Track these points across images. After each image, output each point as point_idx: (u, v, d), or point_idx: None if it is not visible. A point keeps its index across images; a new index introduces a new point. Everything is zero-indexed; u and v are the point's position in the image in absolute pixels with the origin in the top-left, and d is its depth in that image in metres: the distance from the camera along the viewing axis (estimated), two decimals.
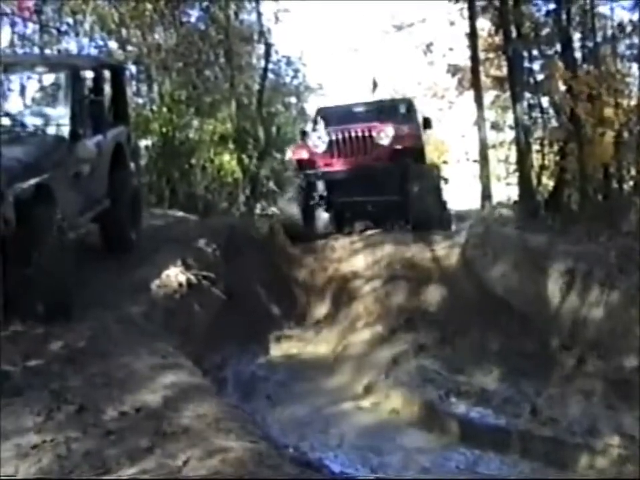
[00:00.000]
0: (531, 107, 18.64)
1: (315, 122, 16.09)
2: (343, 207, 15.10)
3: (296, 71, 27.11)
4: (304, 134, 16.29)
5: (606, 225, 12.57)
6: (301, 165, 14.85)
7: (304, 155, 14.74)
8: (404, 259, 12.35)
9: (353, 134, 14.32)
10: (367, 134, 14.26)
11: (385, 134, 14.18)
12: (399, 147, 13.99)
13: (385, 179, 14.07)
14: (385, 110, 16.33)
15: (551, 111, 19.02)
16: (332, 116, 15.93)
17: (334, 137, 14.39)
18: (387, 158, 14.03)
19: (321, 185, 14.73)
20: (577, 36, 18.62)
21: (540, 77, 18.81)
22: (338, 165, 14.30)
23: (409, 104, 16.53)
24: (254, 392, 9.40)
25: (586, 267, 10.44)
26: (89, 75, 10.88)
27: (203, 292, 10.85)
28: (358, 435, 7.81)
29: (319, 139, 14.50)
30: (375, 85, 22.44)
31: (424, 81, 22.59)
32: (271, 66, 22.99)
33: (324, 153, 14.34)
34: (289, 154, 14.99)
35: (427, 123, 16.66)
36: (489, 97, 20.24)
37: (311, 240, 14.13)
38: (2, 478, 4.86)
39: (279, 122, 23.27)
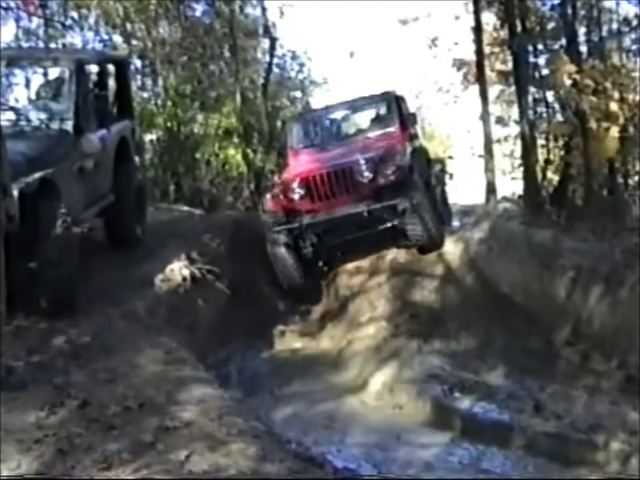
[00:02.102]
0: (536, 101, 18.62)
1: (288, 142, 14.45)
2: (336, 250, 12.91)
3: (301, 65, 26.96)
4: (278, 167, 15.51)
5: (611, 220, 12.56)
6: (280, 216, 12.32)
7: (284, 205, 12.23)
8: (408, 253, 12.33)
9: (332, 174, 12.10)
10: (347, 172, 12.12)
11: (366, 172, 12.02)
12: (382, 181, 11.97)
13: (377, 213, 12.05)
14: (363, 114, 14.96)
15: (556, 106, 18.97)
16: (306, 131, 14.42)
17: (311, 181, 12.12)
18: (371, 195, 12.01)
19: (308, 237, 12.34)
20: (582, 30, 18.58)
21: (545, 71, 18.75)
22: (321, 210, 12.20)
23: (388, 103, 14.36)
24: (258, 387, 9.40)
25: (591, 263, 10.44)
26: (93, 69, 10.89)
27: (207, 286, 10.85)
28: (361, 430, 7.81)
29: (295, 186, 12.12)
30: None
31: (429, 75, 22.53)
32: (276, 60, 22.90)
33: (303, 199, 12.13)
34: (266, 203, 12.46)
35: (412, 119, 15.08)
36: (494, 91, 20.19)
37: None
38: (2, 478, 4.86)
39: (284, 116, 23.18)
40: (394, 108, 14.14)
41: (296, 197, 12.06)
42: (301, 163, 13.20)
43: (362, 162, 12.01)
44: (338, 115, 14.78)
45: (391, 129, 13.66)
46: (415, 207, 11.84)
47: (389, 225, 12.01)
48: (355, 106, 14.91)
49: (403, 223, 11.88)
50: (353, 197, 12.01)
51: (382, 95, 14.68)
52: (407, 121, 14.19)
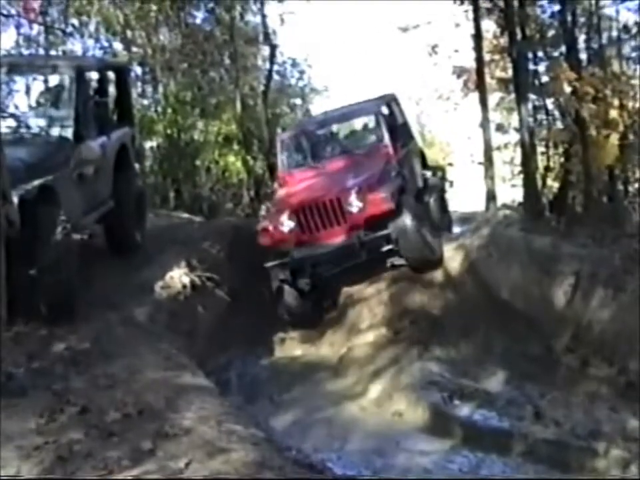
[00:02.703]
0: (535, 108, 18.67)
1: (278, 160, 13.97)
2: (334, 279, 12.22)
3: (301, 72, 27.02)
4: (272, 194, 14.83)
5: (611, 226, 12.57)
6: (273, 250, 11.78)
7: (274, 239, 11.66)
8: None
9: (321, 206, 11.56)
10: (335, 204, 11.55)
11: (354, 202, 11.47)
12: (372, 211, 11.40)
13: (371, 243, 11.60)
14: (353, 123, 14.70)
15: (556, 113, 19.04)
16: (295, 148, 13.84)
17: (300, 213, 11.61)
18: (361, 226, 11.48)
19: (303, 270, 11.83)
20: (582, 37, 18.63)
21: (545, 78, 18.82)
22: (313, 242, 11.73)
23: (377, 113, 13.73)
24: (257, 393, 9.39)
25: (591, 269, 10.44)
26: (93, 76, 10.91)
27: (207, 293, 10.86)
28: (361, 437, 7.81)
29: (284, 220, 11.58)
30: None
31: (429, 82, 22.58)
32: (276, 67, 22.96)
33: (292, 232, 11.56)
34: (260, 238, 11.69)
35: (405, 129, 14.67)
36: (493, 98, 20.24)
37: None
38: (2, 478, 4.86)
39: (284, 123, 23.22)
40: (382, 120, 13.56)
41: (285, 229, 11.59)
42: (290, 191, 12.66)
43: (351, 191, 11.53)
44: (327, 130, 14.27)
45: (381, 142, 13.21)
46: (408, 230, 11.55)
47: (384, 249, 11.68)
48: (345, 117, 14.70)
49: (398, 246, 11.56)
50: (343, 227, 11.55)
51: (371, 103, 14.34)
52: (397, 130, 13.78)
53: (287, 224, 11.59)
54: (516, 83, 17.09)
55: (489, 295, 11.21)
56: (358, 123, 14.76)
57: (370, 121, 14.09)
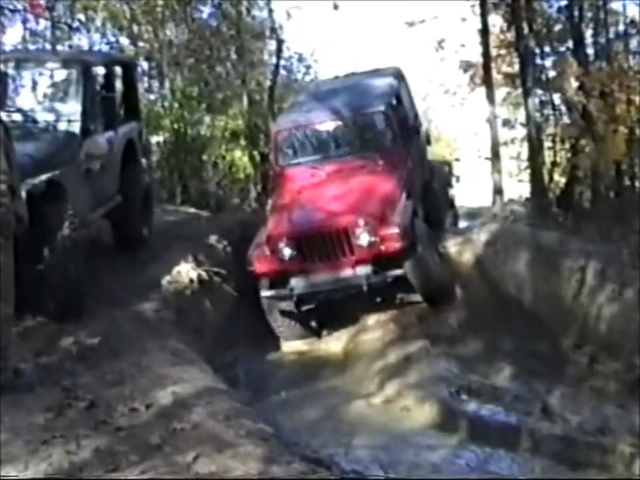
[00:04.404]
0: (542, 103, 18.61)
1: (277, 150, 12.59)
2: (337, 310, 11.18)
3: (308, 67, 27.01)
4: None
5: (618, 222, 12.54)
6: (271, 279, 10.84)
7: (272, 267, 10.67)
8: None
9: (326, 235, 10.48)
10: (342, 234, 10.45)
11: (364, 235, 10.40)
12: (384, 249, 10.37)
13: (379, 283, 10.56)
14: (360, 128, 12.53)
15: (563, 108, 18.96)
16: (293, 144, 12.52)
17: (302, 241, 10.54)
18: (370, 260, 10.47)
19: (304, 301, 10.77)
20: (589, 32, 18.56)
21: (552, 73, 18.75)
22: (315, 271, 10.67)
23: (386, 111, 12.31)
24: (265, 389, 9.40)
25: (598, 265, 10.42)
26: (100, 71, 10.91)
27: (214, 288, 10.87)
28: (369, 433, 7.80)
29: (283, 246, 10.53)
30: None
31: (435, 77, 22.52)
32: (282, 62, 22.95)
33: (293, 260, 10.56)
34: (256, 265, 10.65)
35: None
36: (500, 93, 20.18)
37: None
38: (2, 478, 4.86)
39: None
40: (393, 117, 12.28)
41: (285, 257, 10.55)
42: (289, 207, 11.36)
43: (360, 222, 10.41)
44: (330, 125, 12.55)
45: (393, 146, 12.11)
46: (424, 268, 10.62)
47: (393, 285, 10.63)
48: (350, 109, 12.51)
49: (411, 284, 10.64)
50: (350, 259, 10.49)
51: (376, 100, 12.62)
52: (406, 122, 12.74)
53: (286, 252, 10.56)
54: (523, 77, 17.03)
55: (495, 290, 11.20)
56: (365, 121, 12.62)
57: (378, 120, 12.43)
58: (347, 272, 10.54)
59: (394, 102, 12.65)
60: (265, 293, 10.79)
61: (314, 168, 12.06)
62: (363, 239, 10.38)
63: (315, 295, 10.70)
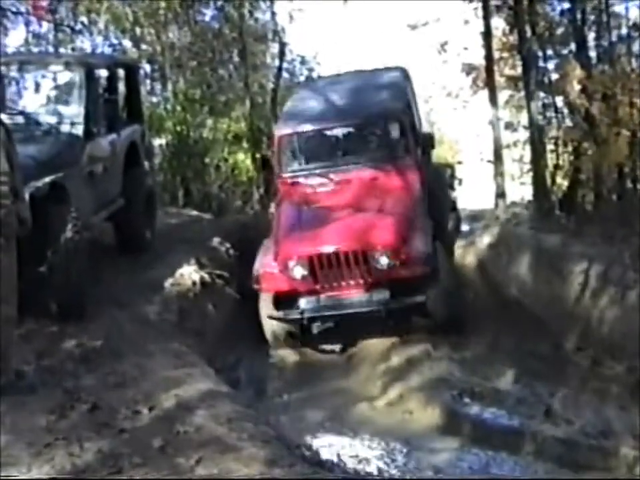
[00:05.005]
0: (545, 106, 18.58)
1: (281, 156, 11.64)
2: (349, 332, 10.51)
3: (310, 70, 27.00)
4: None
5: (620, 225, 12.52)
6: (280, 298, 10.20)
7: (282, 286, 10.07)
8: None
9: (342, 256, 9.83)
10: (359, 256, 9.83)
11: (383, 258, 9.82)
12: (405, 274, 9.84)
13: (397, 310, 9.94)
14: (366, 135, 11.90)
15: (566, 111, 18.93)
16: (299, 150, 11.75)
17: (315, 261, 9.86)
18: (386, 285, 9.93)
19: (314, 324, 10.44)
20: (591, 35, 18.55)
21: (554, 76, 18.72)
22: (327, 292, 10.04)
23: (400, 120, 11.49)
24: (267, 391, 9.40)
25: (600, 268, 10.42)
26: (103, 73, 10.95)
27: (217, 291, 10.87)
28: (371, 435, 7.79)
29: (294, 265, 9.90)
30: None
31: (438, 80, 22.54)
32: (285, 65, 22.94)
33: (305, 280, 9.94)
34: (263, 284, 10.05)
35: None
36: (503, 96, 20.15)
37: None
38: (2, 478, 4.87)
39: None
40: (407, 127, 11.44)
41: (297, 276, 9.92)
42: (299, 222, 10.64)
43: (378, 243, 9.86)
44: (339, 129, 11.85)
45: (407, 157, 11.31)
46: (445, 295, 10.06)
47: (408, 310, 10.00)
48: (358, 117, 11.74)
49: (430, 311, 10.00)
50: (367, 282, 9.91)
51: (389, 106, 11.76)
52: (418, 129, 12.04)
53: (297, 271, 9.94)
54: (525, 80, 17.01)
55: (498, 293, 11.21)
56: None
57: (392, 129, 11.67)
58: (362, 295, 10.00)
59: (406, 107, 11.89)
60: (271, 314, 10.13)
61: (322, 176, 11.30)
62: (382, 262, 9.82)
63: (326, 318, 10.29)
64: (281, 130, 11.89)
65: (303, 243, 10.13)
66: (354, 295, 10.02)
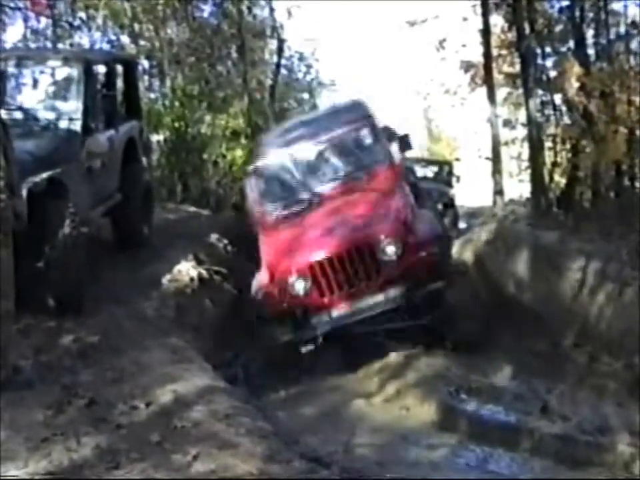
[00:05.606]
0: (543, 104, 18.57)
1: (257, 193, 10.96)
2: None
3: (308, 66, 27.09)
4: None
5: (618, 222, 12.54)
6: (283, 315, 9.50)
7: (285, 308, 9.41)
8: None
9: (345, 256, 9.20)
10: (364, 252, 9.23)
11: (389, 246, 9.20)
12: (414, 259, 9.23)
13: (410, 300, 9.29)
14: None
15: (564, 108, 18.92)
16: (277, 181, 10.99)
17: (317, 270, 9.25)
18: (399, 278, 9.29)
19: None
20: (590, 33, 18.54)
21: (553, 73, 18.71)
22: (336, 305, 9.34)
23: (370, 123, 11.14)
24: (264, 387, 9.39)
25: (598, 265, 10.43)
26: (101, 69, 10.94)
27: (215, 287, 10.88)
28: (369, 432, 7.79)
29: (294, 281, 9.31)
30: None
31: (436, 77, 22.55)
32: (283, 61, 22.99)
33: (310, 294, 9.31)
34: (268, 308, 9.43)
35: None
36: (501, 93, 20.17)
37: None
38: (2, 478, 4.87)
39: (291, 117, 23.26)
40: (379, 132, 11.09)
41: (300, 292, 9.32)
42: (293, 238, 10.03)
43: (384, 233, 9.26)
44: (312, 153, 10.98)
45: (386, 162, 10.78)
46: (458, 276, 9.69)
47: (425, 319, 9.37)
48: (327, 137, 11.03)
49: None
50: (376, 282, 9.26)
51: (356, 109, 11.54)
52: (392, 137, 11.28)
53: (298, 286, 9.32)
54: (524, 78, 17.01)
55: (496, 290, 11.21)
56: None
57: (364, 137, 11.10)
58: (376, 297, 9.33)
59: (372, 117, 11.34)
60: (284, 338, 9.44)
61: (308, 206, 10.52)
62: (390, 251, 9.20)
63: (341, 331, 9.41)
64: (252, 167, 11.43)
65: (299, 257, 9.54)
66: (366, 300, 9.33)
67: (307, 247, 9.63)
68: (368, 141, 11.07)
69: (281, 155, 11.09)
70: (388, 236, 9.27)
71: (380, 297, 9.30)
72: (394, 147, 11.08)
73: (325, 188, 10.68)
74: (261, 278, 9.96)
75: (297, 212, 10.51)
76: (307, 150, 10.98)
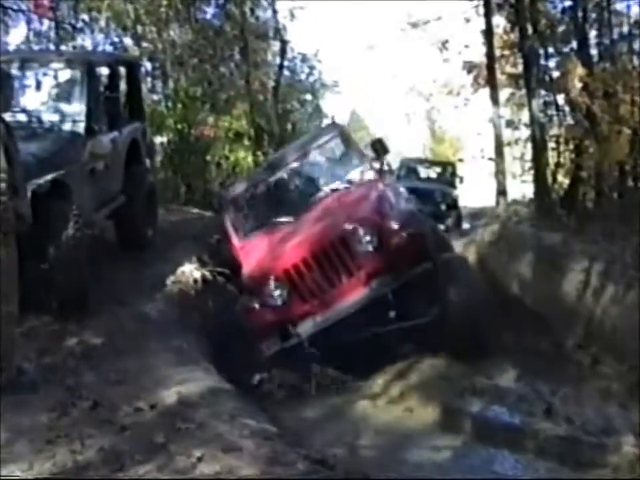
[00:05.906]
0: (546, 104, 18.54)
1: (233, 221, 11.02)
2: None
3: (311, 68, 27.16)
4: None
5: (621, 223, 12.52)
6: (270, 329, 9.20)
7: (271, 319, 9.16)
8: None
9: (320, 254, 8.98)
10: (339, 247, 8.97)
11: (366, 236, 8.94)
12: (393, 247, 8.88)
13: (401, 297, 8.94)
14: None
15: (567, 109, 18.90)
16: (254, 203, 11.15)
17: (293, 274, 9.06)
18: (381, 270, 8.96)
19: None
20: (593, 33, 18.52)
21: (556, 74, 18.69)
22: (321, 310, 9.07)
23: (341, 134, 11.15)
24: (268, 389, 9.37)
25: (601, 266, 10.41)
26: (104, 71, 10.95)
27: (218, 288, 10.87)
28: (372, 433, 7.79)
29: (272, 290, 9.12)
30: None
31: (439, 77, 22.56)
32: (286, 63, 23.06)
33: (291, 301, 9.10)
34: (256, 323, 9.10)
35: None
36: (504, 94, 20.15)
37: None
38: (2, 478, 4.87)
39: (294, 119, 23.29)
40: (350, 139, 11.24)
41: (277, 302, 9.10)
42: (266, 251, 9.86)
43: (357, 224, 9.01)
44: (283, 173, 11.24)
45: (357, 168, 10.70)
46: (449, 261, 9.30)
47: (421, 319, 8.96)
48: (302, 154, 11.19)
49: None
50: (358, 277, 8.97)
51: (327, 128, 11.72)
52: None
53: (277, 294, 9.12)
54: (526, 78, 17.01)
55: (499, 290, 11.20)
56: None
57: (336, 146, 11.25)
58: (361, 291, 9.01)
59: (344, 128, 11.52)
60: (272, 349, 9.25)
61: (286, 222, 10.32)
62: (366, 240, 8.94)
63: (327, 334, 9.00)
64: (226, 196, 11.80)
65: (272, 262, 9.42)
66: (350, 299, 9.03)
67: (281, 254, 9.43)
68: (338, 151, 11.24)
69: (254, 180, 11.54)
70: (361, 225, 9.01)
71: (364, 291, 8.98)
72: (366, 153, 11.13)
73: (301, 203, 10.60)
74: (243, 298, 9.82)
75: (272, 229, 10.37)
76: (281, 170, 11.26)
